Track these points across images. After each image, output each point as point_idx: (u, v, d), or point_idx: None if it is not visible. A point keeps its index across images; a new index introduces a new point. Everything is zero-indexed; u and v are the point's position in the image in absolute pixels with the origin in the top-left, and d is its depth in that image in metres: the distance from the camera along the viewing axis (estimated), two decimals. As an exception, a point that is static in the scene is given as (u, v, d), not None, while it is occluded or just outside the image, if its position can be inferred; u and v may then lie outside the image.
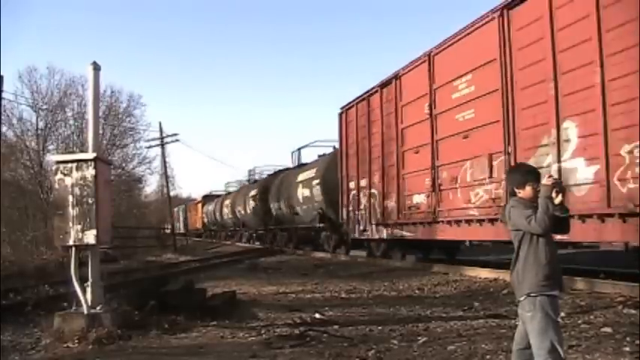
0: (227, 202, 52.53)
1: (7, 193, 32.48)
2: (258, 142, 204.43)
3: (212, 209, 60.14)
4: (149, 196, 75.74)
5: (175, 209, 66.88)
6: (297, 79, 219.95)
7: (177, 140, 53.64)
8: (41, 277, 17.97)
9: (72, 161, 9.47)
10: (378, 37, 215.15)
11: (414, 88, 17.97)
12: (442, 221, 16.20)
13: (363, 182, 21.97)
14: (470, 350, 7.14)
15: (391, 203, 19.59)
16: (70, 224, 9.22)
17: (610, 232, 10.73)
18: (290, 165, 36.70)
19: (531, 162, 11.62)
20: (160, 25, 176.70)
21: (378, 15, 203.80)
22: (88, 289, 9.31)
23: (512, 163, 12.39)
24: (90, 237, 9.20)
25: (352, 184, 23.12)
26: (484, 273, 14.49)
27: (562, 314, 8.10)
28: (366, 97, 21.67)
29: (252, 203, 40.83)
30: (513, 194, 5.01)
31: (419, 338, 8.02)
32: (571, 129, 11.46)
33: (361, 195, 22.26)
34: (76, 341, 8.59)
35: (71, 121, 40.39)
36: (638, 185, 9.92)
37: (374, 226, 20.96)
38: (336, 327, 9.09)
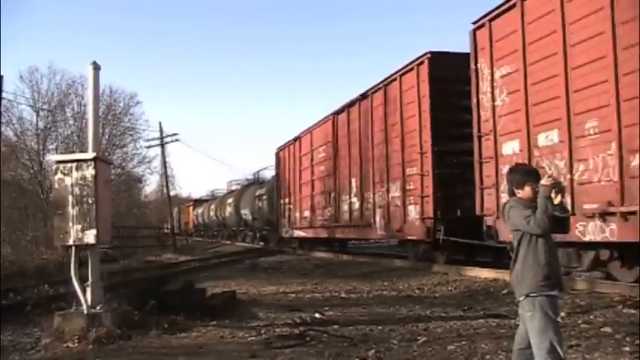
0: (212, 206, 60.93)
1: (8, 193, 32.48)
2: (259, 141, 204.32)
3: (201, 212, 67.23)
4: (149, 196, 75.71)
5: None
6: (297, 79, 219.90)
7: (177, 140, 53.70)
8: (41, 276, 17.99)
9: (72, 161, 9.49)
10: (380, 36, 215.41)
11: (306, 145, 28.71)
12: (316, 227, 27.13)
13: (287, 200, 32.15)
14: (470, 350, 7.15)
15: (297, 214, 30.30)
16: (70, 224, 9.23)
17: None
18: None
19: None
20: (160, 24, 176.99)
21: (380, 14, 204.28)
22: (88, 289, 9.32)
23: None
24: (90, 237, 9.21)
25: (282, 201, 33.18)
26: (484, 273, 14.49)
27: (562, 314, 8.12)
28: (291, 142, 31.27)
29: (229, 209, 50.96)
30: (513, 194, 5.01)
31: (419, 338, 8.03)
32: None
33: (286, 208, 32.21)
34: (76, 341, 8.61)
35: (71, 121, 40.44)
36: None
37: (291, 229, 31.42)
38: (336, 327, 9.11)
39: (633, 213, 9.90)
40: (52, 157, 19.32)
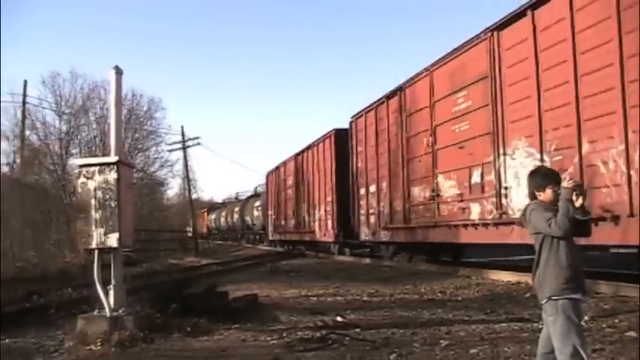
0: (223, 213, 69.53)
1: (31, 196, 32.74)
2: (281, 143, 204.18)
3: (214, 217, 74.81)
4: (171, 200, 76.09)
5: (188, 215, 68.00)
6: (323, 81, 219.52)
7: (198, 144, 54.02)
8: (64, 279, 18.14)
9: (94, 165, 9.55)
10: (403, 37, 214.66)
11: (281, 173, 38.28)
12: (288, 232, 36.60)
13: (271, 212, 41.25)
14: (492, 354, 7.13)
15: (277, 222, 39.42)
16: (93, 227, 9.29)
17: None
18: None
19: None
20: (182, 28, 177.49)
21: (403, 15, 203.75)
22: (111, 292, 9.38)
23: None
24: (112, 240, 9.26)
25: (268, 212, 42.04)
26: (507, 276, 14.43)
27: (585, 318, 8.07)
28: (274, 170, 40.47)
29: (236, 216, 59.95)
30: (533, 197, 5.00)
31: (441, 342, 8.01)
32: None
33: (271, 217, 41.39)
34: (99, 344, 8.66)
35: (94, 125, 40.66)
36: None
37: (274, 233, 40.77)
38: (357, 330, 9.10)
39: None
40: (74, 161, 19.47)
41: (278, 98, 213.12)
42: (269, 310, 11.61)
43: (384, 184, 21.22)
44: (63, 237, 28.51)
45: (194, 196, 63.91)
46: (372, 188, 22.35)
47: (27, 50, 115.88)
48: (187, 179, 57.90)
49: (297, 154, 33.25)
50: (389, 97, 20.68)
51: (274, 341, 8.65)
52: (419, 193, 18.65)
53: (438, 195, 17.29)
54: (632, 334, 7.69)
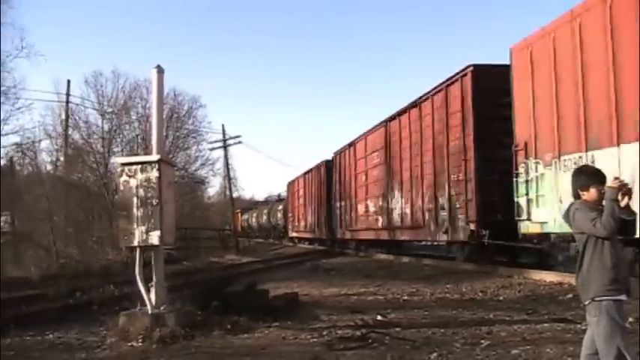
0: (254, 214, 75.14)
1: (74, 194, 33.16)
2: (321, 142, 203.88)
3: (246, 218, 79.31)
4: (212, 198, 76.58)
5: (228, 214, 68.83)
6: (362, 81, 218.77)
7: (239, 142, 54.25)
8: (106, 276, 18.34)
9: (136, 163, 9.65)
10: (437, 43, 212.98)
11: (299, 185, 46.13)
12: (304, 231, 43.37)
13: (290, 214, 49.42)
14: (534, 355, 7.07)
15: (295, 223, 46.72)
16: (135, 225, 9.38)
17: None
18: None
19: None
20: (224, 26, 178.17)
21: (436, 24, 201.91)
22: (152, 290, 9.47)
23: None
24: (154, 238, 9.35)
25: (289, 214, 49.86)
26: (549, 276, 14.27)
27: (630, 319, 7.95)
28: (294, 180, 48.41)
29: (264, 217, 66.70)
30: (577, 197, 4.92)
31: (482, 342, 7.96)
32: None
33: (289, 219, 49.58)
34: (140, 340, 8.76)
35: (135, 124, 41.01)
36: None
37: (292, 232, 48.91)
38: (398, 329, 9.09)
39: None
40: (117, 160, 19.63)
41: (320, 94, 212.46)
42: (309, 309, 11.63)
43: (345, 202, 32.26)
44: (105, 234, 28.85)
45: (235, 194, 64.32)
46: (341, 203, 33.00)
47: (71, 50, 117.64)
48: (228, 178, 58.25)
49: (306, 173, 43.32)
50: (350, 145, 31.21)
51: (314, 339, 8.67)
52: (360, 208, 29.32)
53: (366, 211, 28.16)
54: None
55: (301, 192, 44.51)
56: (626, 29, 11.24)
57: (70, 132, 38.48)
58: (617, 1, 11.53)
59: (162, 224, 9.38)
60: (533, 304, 11.32)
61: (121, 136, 40.82)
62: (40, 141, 37.53)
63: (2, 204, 29.70)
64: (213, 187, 74.12)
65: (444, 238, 19.31)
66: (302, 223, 43.99)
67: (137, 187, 9.45)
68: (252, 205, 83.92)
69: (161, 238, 9.38)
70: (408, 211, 22.25)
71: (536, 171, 14.22)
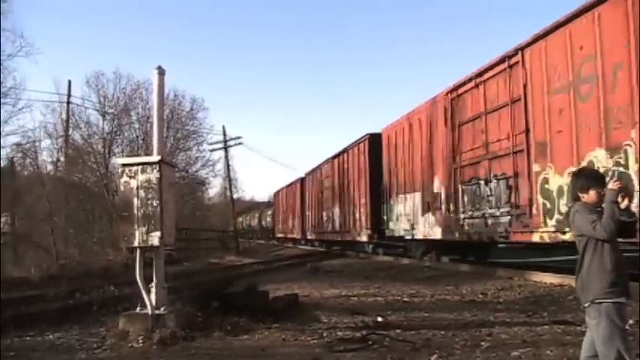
0: (247, 217, 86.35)
1: (75, 195, 33.20)
2: (320, 143, 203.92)
3: (241, 220, 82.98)
4: (212, 199, 76.61)
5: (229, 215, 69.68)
6: (363, 83, 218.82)
7: (240, 144, 54.33)
8: (107, 277, 18.37)
9: (137, 164, 9.65)
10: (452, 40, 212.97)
11: (282, 195, 56.19)
12: (288, 232, 52.21)
13: (277, 218, 59.06)
14: (534, 357, 7.07)
15: (280, 225, 56.96)
16: (135, 226, 9.39)
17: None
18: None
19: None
20: (224, 29, 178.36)
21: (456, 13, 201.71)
22: (153, 291, 9.48)
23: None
24: (154, 239, 9.35)
25: (275, 218, 59.82)
26: (549, 278, 14.28)
27: (630, 322, 7.95)
28: (279, 190, 58.06)
29: (256, 220, 78.51)
30: (577, 199, 4.93)
31: (482, 344, 7.96)
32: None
33: (276, 221, 59.32)
34: (141, 341, 8.76)
35: (136, 125, 40.99)
36: None
37: (278, 233, 57.96)
38: (398, 331, 9.08)
39: None
40: (117, 160, 19.64)
41: (321, 95, 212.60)
42: (309, 310, 11.63)
43: (311, 212, 41.53)
44: (105, 235, 28.90)
45: (235, 195, 64.36)
46: (309, 213, 42.17)
47: (72, 51, 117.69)
48: (228, 179, 58.39)
49: (287, 186, 52.81)
50: (315, 168, 40.06)
51: (314, 341, 8.67)
52: (320, 217, 38.11)
53: (322, 219, 37.29)
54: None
55: (284, 201, 54.72)
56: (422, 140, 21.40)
57: (70, 132, 38.52)
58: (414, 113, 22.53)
59: (162, 225, 9.39)
60: (533, 305, 11.31)
61: (121, 136, 40.86)
62: (40, 141, 37.59)
63: (3, 204, 29.75)
64: (214, 189, 74.13)
65: (357, 238, 29.80)
66: (285, 226, 54.16)
67: (138, 187, 9.45)
68: (246, 209, 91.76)
69: (161, 239, 9.38)
70: (341, 220, 32.63)
71: (391, 201, 24.84)
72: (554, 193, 13.13)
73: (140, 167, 9.54)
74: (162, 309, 9.42)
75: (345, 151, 31.66)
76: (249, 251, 46.22)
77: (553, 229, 13.09)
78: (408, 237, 22.87)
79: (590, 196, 4.82)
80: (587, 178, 5.00)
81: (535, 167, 13.90)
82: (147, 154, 25.73)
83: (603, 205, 4.63)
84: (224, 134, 53.02)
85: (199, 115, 49.14)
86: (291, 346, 8.50)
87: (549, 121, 13.35)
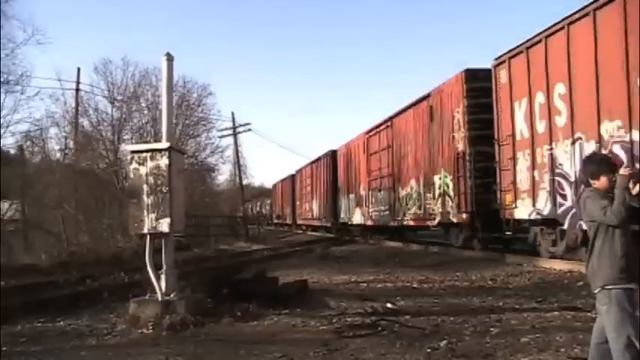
0: (250, 205, 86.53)
1: (84, 182, 33.27)
2: (330, 129, 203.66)
3: (251, 206, 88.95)
4: (221, 186, 76.56)
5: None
6: (371, 68, 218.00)
7: (249, 130, 54.27)
8: (117, 264, 18.42)
9: (146, 151, 9.67)
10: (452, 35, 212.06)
11: (280, 186, 67.52)
12: (284, 219, 63.09)
13: (275, 207, 71.97)
14: (544, 342, 7.07)
15: (278, 212, 67.98)
16: (145, 213, 9.41)
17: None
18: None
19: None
20: (232, 12, 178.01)
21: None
22: (162, 277, 9.51)
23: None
24: (164, 225, 9.38)
25: (273, 207, 72.80)
26: (559, 264, 14.25)
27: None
28: (279, 182, 67.60)
29: (257, 208, 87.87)
30: (588, 185, 4.91)
31: (492, 329, 7.97)
32: None
33: (274, 210, 72.44)
34: (151, 327, 8.80)
35: (145, 112, 40.90)
36: None
37: (275, 219, 69.02)
38: (407, 317, 9.10)
39: None
40: (126, 147, 19.67)
41: (331, 81, 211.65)
42: (319, 296, 11.65)
43: (299, 202, 51.18)
44: (115, 222, 28.91)
45: (244, 182, 64.36)
46: (298, 202, 52.00)
47: (80, 38, 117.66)
48: (238, 165, 58.29)
49: (282, 180, 63.20)
50: (303, 167, 49.37)
51: (324, 327, 8.69)
52: (304, 206, 47.88)
53: (305, 208, 47.23)
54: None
55: (279, 192, 66.00)
56: (355, 160, 33.19)
57: (79, 119, 38.52)
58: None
59: (172, 212, 9.41)
60: (542, 291, 11.31)
61: (130, 123, 40.79)
62: (48, 128, 37.60)
63: (14, 192, 29.86)
64: (223, 175, 74.01)
65: (325, 224, 40.66)
66: (281, 213, 64.62)
67: (147, 174, 9.48)
68: (256, 196, 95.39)
69: (171, 225, 9.41)
70: (317, 210, 42.91)
71: (342, 199, 36.04)
72: (404, 199, 24.65)
73: (149, 154, 9.56)
74: (172, 295, 9.45)
75: (318, 159, 43.26)
76: (258, 237, 46.25)
77: (410, 219, 24.22)
78: (349, 223, 34.69)
79: (601, 182, 4.79)
80: (598, 164, 4.97)
81: (396, 184, 25.61)
82: (156, 141, 25.77)
83: (615, 191, 4.61)
84: (233, 121, 52.99)
85: (208, 101, 48.98)
86: (300, 331, 8.54)
87: (400, 161, 25.12)
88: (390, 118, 26.09)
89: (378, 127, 28.27)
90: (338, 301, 11.00)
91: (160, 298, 9.34)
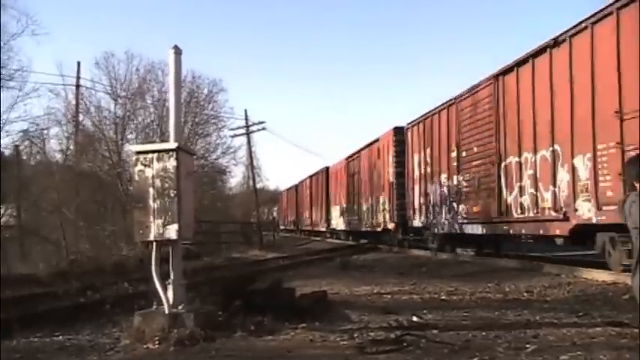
0: (274, 207, 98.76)
1: (86, 185, 33.41)
2: (348, 130, 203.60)
3: (266, 211, 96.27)
4: (234, 189, 76.67)
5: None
6: (392, 69, 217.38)
7: (264, 129, 54.32)
8: (120, 273, 18.49)
9: (152, 151, 9.65)
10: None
11: (286, 195, 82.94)
12: (288, 224, 79.09)
13: (281, 214, 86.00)
14: (585, 361, 7.02)
15: (285, 220, 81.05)
16: (151, 218, 9.40)
17: None
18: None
19: None
20: (244, 7, 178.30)
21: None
22: (170, 287, 9.50)
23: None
24: (171, 232, 9.37)
25: (281, 214, 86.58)
26: (601, 275, 14.17)
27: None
28: (284, 191, 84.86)
29: (265, 214, 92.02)
30: (633, 189, 4.87)
31: (527, 346, 7.91)
32: None
33: (282, 216, 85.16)
34: (157, 342, 8.80)
35: (151, 109, 41.01)
36: None
37: (283, 225, 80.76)
38: (435, 331, 9.06)
39: None
40: (131, 148, 19.75)
41: (350, 78, 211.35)
42: (339, 309, 11.63)
43: (301, 210, 64.14)
44: (119, 228, 29.07)
45: (259, 185, 64.58)
46: (301, 210, 63.15)
47: (80, 31, 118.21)
48: (251, 167, 58.49)
49: (288, 189, 75.77)
50: (305, 179, 60.43)
51: (344, 342, 8.66)
52: (305, 214, 60.82)
53: (306, 216, 59.57)
54: None
55: (285, 201, 79.48)
56: (339, 179, 45.97)
57: (80, 118, 38.67)
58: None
59: (180, 217, 9.40)
60: (584, 305, 11.24)
61: (135, 122, 40.93)
62: (48, 128, 37.75)
63: (8, 195, 30.02)
64: (236, 178, 74.35)
65: (321, 229, 51.18)
66: (287, 220, 77.00)
67: (153, 177, 9.47)
68: (270, 200, 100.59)
69: (179, 232, 9.40)
70: (314, 217, 53.77)
71: (330, 208, 48.84)
72: (364, 212, 36.51)
73: (156, 155, 9.55)
74: (180, 307, 9.45)
75: (316, 173, 54.04)
76: (273, 245, 46.34)
77: (367, 226, 36.37)
78: (337, 228, 46.48)
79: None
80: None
81: (362, 200, 36.94)
82: (163, 141, 25.86)
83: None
84: (246, 119, 53.16)
85: (219, 97, 48.98)
86: (319, 347, 8.51)
87: (363, 184, 37.11)
88: (358, 151, 38.83)
89: (352, 156, 41.37)
90: (360, 314, 10.99)
91: (167, 311, 9.33)
